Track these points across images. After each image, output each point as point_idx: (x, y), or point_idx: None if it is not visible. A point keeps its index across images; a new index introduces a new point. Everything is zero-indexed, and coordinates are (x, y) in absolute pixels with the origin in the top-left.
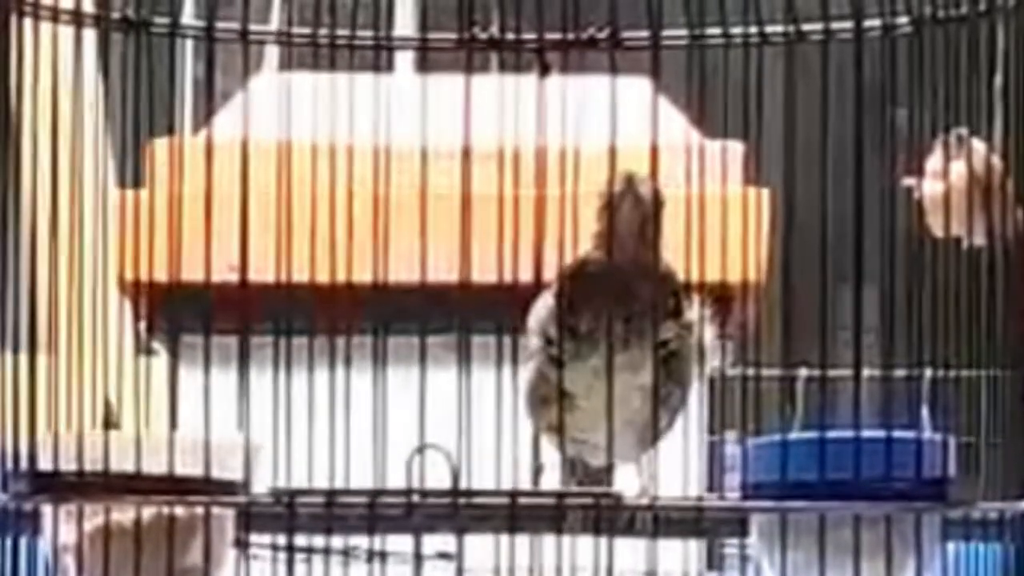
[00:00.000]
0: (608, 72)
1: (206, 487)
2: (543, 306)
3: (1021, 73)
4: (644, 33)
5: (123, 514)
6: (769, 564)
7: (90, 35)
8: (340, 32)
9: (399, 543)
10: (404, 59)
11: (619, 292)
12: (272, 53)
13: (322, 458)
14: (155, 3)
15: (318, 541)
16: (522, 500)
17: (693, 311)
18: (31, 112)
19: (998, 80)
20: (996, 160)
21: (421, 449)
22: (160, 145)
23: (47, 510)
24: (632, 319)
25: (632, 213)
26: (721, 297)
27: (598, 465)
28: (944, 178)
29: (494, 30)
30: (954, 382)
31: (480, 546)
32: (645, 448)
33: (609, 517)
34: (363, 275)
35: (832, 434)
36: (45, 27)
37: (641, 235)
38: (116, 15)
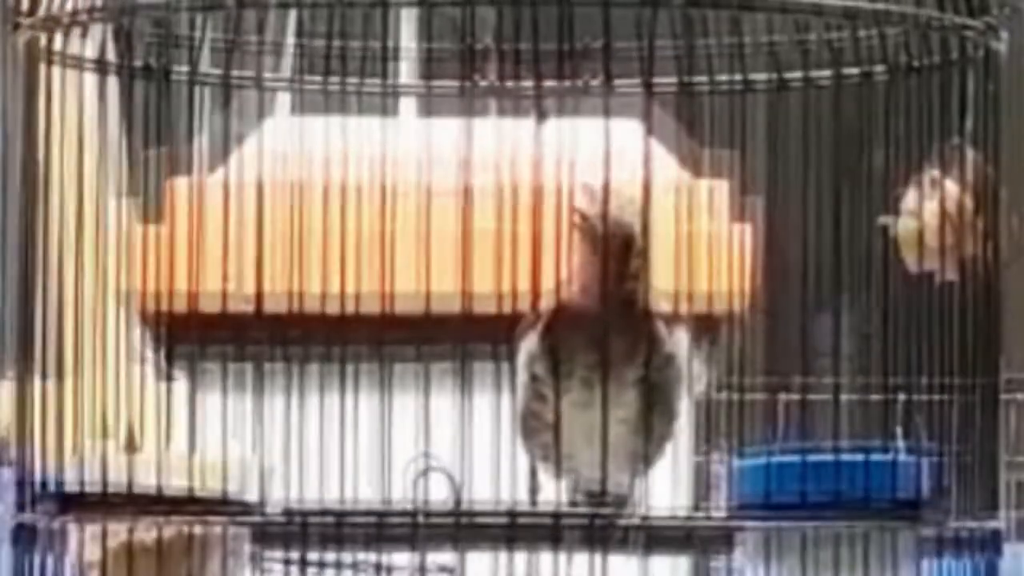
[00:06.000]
0: (602, 115)
1: (224, 506)
2: (529, 345)
3: (990, 118)
4: (636, 79)
5: (145, 532)
6: None
7: (113, 82)
8: (350, 80)
9: (404, 557)
10: (408, 104)
11: (597, 331)
12: (284, 98)
13: (332, 478)
14: (175, 53)
15: (328, 556)
16: (521, 519)
17: (677, 342)
18: (59, 153)
19: (968, 124)
20: (967, 200)
21: (425, 470)
22: (180, 184)
23: (73, 529)
24: (607, 356)
25: (613, 243)
26: (708, 326)
27: (595, 489)
28: (918, 216)
29: (493, 78)
30: (927, 406)
31: (480, 559)
32: (634, 474)
33: (603, 534)
34: (371, 306)
35: (813, 456)
36: (71, 75)
37: (621, 265)
38: (138, 64)
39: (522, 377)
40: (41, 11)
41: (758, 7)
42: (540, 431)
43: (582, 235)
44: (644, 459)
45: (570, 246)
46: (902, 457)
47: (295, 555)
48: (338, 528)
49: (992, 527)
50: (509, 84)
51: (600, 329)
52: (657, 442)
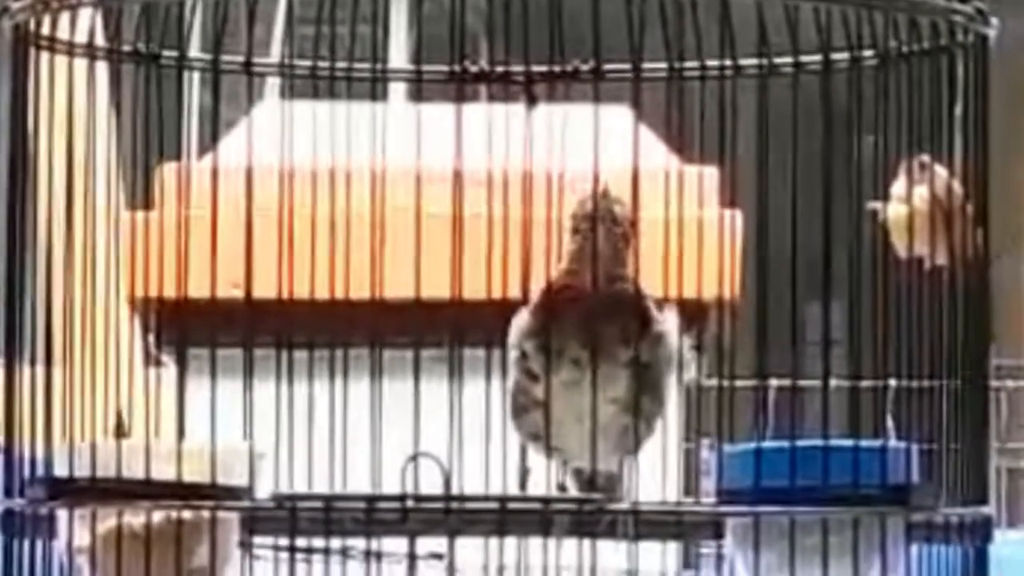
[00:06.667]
0: (591, 102)
1: (212, 492)
2: (520, 322)
3: (979, 103)
4: (626, 65)
5: (134, 518)
6: (743, 564)
7: (103, 67)
8: (339, 64)
9: (394, 543)
10: (398, 89)
11: (589, 311)
12: (273, 83)
13: (321, 464)
14: (164, 37)
15: (318, 542)
16: (511, 505)
17: (666, 323)
18: (47, 139)
19: (958, 110)
20: (956, 185)
21: (415, 456)
22: (168, 169)
23: (62, 514)
24: (599, 336)
25: (608, 233)
26: (697, 312)
27: (586, 469)
28: (908, 202)
29: (483, 63)
30: (917, 392)
31: (471, 546)
32: (623, 455)
33: (592, 521)
34: (360, 292)
35: (802, 442)
36: (61, 60)
37: (614, 252)
38: (127, 49)
39: (512, 353)
40: None
41: None
42: (529, 409)
43: (576, 226)
44: (634, 440)
45: (559, 232)
46: (892, 443)
47: (285, 541)
48: (328, 514)
49: (982, 513)
50: (499, 70)
51: (592, 310)
52: (647, 422)
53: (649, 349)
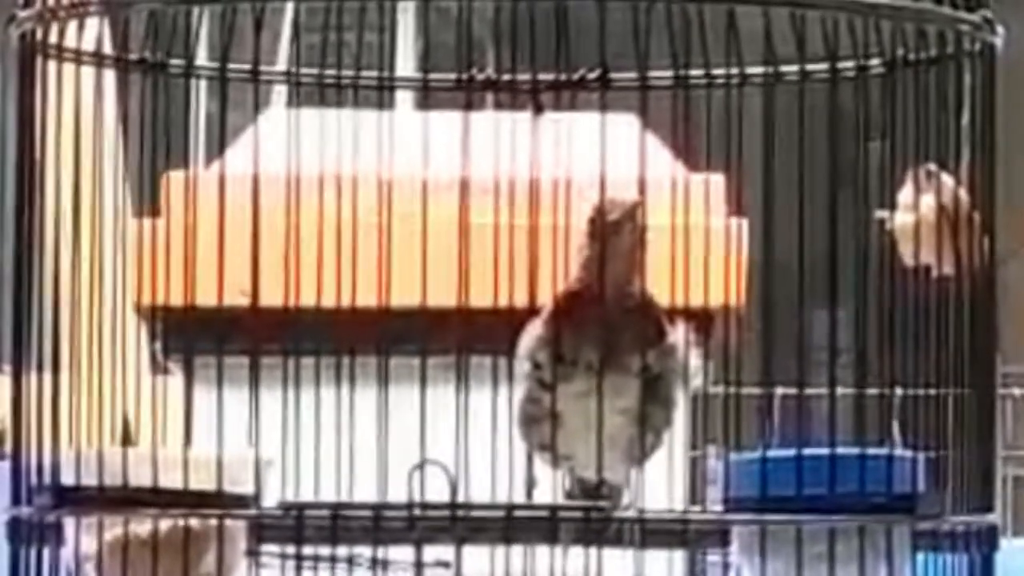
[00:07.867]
0: (598, 110)
1: (219, 500)
2: (531, 333)
3: (986, 111)
4: (632, 74)
5: (141, 526)
6: (749, 573)
7: (110, 76)
8: (345, 72)
9: (400, 552)
10: (405, 97)
11: (602, 320)
12: (280, 90)
13: (328, 472)
14: (171, 45)
15: (325, 550)
16: (517, 513)
17: (676, 334)
18: (55, 147)
19: (965, 118)
20: (963, 193)
21: (421, 464)
22: (175, 177)
23: (69, 522)
24: (613, 346)
25: (630, 238)
26: (703, 321)
27: (591, 479)
28: (915, 210)
29: (490, 71)
30: (924, 401)
31: (477, 554)
32: (631, 465)
33: (598, 529)
34: (367, 299)
35: (808, 450)
36: (68, 69)
37: (631, 261)
38: (134, 57)
39: (524, 366)
40: (37, 3)
41: (753, 0)
42: (541, 420)
43: (592, 231)
44: (643, 449)
45: (567, 239)
46: (898, 452)
47: (291, 549)
48: (334, 522)
49: (988, 522)
50: (506, 78)
51: (609, 318)
52: (656, 433)
53: (661, 360)
